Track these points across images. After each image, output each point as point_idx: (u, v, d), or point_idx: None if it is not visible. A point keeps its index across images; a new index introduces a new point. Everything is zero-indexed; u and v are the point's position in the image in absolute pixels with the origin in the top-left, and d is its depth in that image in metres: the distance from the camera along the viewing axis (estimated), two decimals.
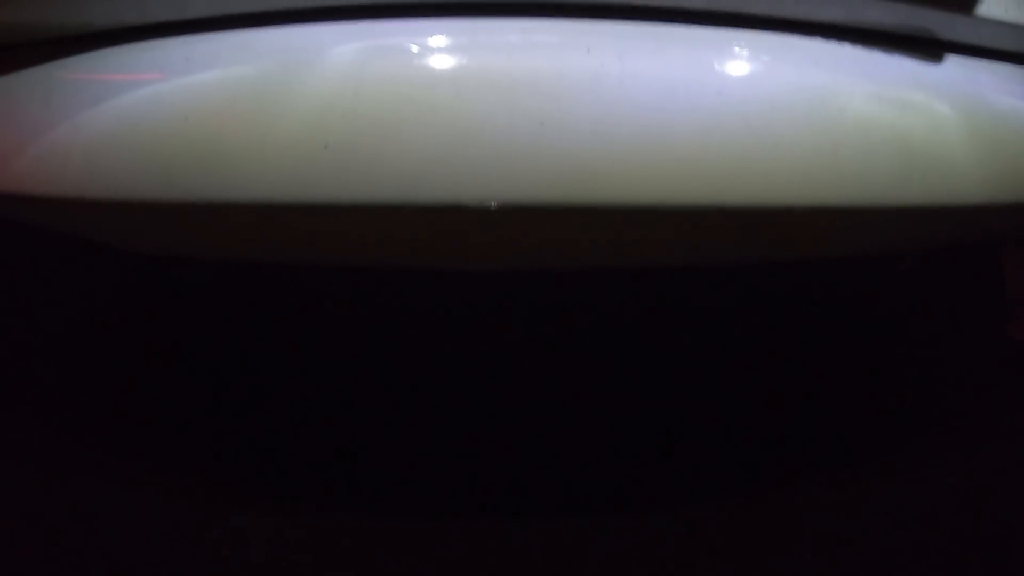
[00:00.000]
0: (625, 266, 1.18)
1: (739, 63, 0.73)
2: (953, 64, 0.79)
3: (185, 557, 0.97)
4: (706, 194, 0.72)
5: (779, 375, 1.29)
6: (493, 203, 0.71)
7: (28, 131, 0.75)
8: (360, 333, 1.33)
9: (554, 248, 0.89)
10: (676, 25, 0.73)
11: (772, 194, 0.73)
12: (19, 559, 0.96)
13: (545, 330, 1.32)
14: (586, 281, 1.34)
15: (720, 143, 0.71)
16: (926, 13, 0.74)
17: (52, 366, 1.26)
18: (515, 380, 1.26)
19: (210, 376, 1.27)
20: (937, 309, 1.39)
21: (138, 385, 1.25)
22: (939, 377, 1.30)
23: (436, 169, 0.69)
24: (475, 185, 0.70)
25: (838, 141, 0.74)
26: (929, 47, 0.78)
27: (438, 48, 0.70)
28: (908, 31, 0.77)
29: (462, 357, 1.29)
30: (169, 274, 1.33)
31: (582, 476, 1.10)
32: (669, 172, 0.71)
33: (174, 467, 1.10)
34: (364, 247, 0.90)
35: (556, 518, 1.04)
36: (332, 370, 1.28)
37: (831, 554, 0.99)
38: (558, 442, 1.15)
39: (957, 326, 1.36)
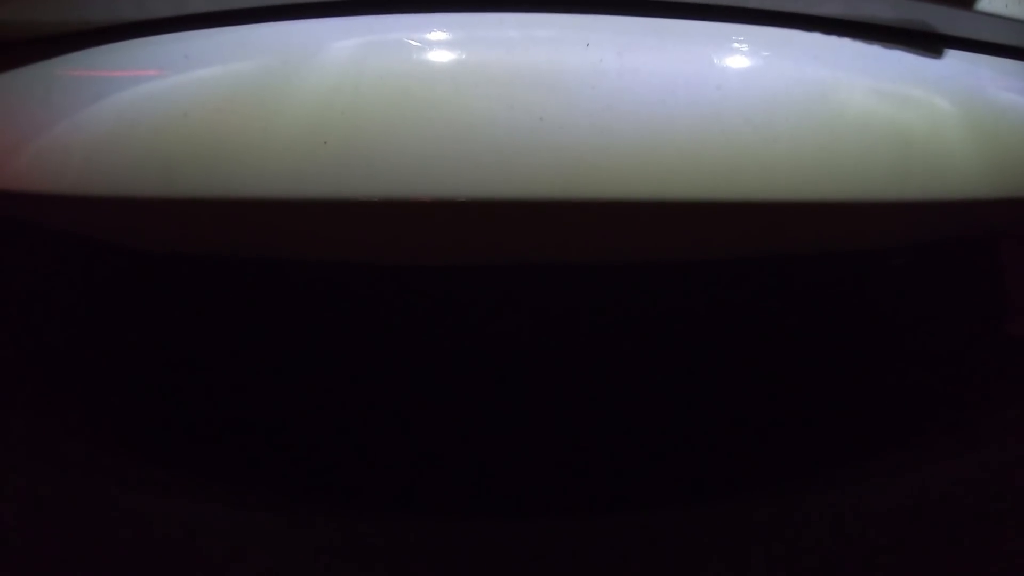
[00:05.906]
0: (623, 262, 1.18)
1: (739, 58, 0.73)
2: (953, 59, 0.79)
3: (185, 557, 0.97)
4: (705, 189, 0.72)
5: (774, 372, 1.29)
6: (492, 199, 0.71)
7: (28, 128, 0.75)
8: (361, 330, 1.33)
9: (553, 243, 0.89)
10: (675, 19, 0.73)
11: (771, 189, 0.73)
12: (19, 558, 0.96)
13: (543, 326, 1.32)
14: (583, 277, 1.34)
15: (719, 138, 0.71)
16: (926, 8, 0.74)
17: (52, 366, 1.26)
18: (515, 379, 1.26)
19: (211, 375, 1.27)
20: (936, 305, 1.39)
21: (139, 385, 1.25)
22: (937, 375, 1.30)
23: (435, 165, 0.69)
24: (474, 181, 0.70)
25: (838, 136, 0.74)
26: (929, 42, 0.78)
27: (437, 43, 0.70)
28: (908, 26, 0.77)
29: (461, 354, 1.29)
30: (169, 271, 1.33)
31: (581, 477, 1.10)
32: (668, 167, 0.71)
33: (175, 467, 1.10)
34: (363, 243, 0.91)
35: (556, 519, 1.04)
36: (332, 369, 1.28)
37: (831, 553, 0.99)
38: (557, 444, 1.15)
39: (955, 322, 1.36)
